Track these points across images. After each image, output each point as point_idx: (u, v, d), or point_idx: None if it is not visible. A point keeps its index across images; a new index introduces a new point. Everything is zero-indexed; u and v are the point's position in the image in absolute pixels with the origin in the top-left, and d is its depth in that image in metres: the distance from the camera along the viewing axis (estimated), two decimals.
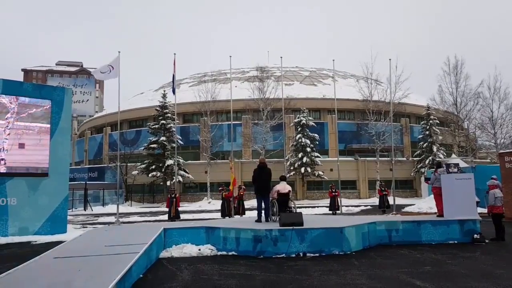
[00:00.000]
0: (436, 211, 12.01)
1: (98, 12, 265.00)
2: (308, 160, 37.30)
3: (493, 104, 34.28)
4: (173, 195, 18.61)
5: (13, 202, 12.87)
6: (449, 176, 10.80)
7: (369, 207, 27.04)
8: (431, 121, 39.87)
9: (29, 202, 13.08)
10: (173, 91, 21.56)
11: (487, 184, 11.21)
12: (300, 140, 37.90)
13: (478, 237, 9.96)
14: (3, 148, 13.04)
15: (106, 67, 17.14)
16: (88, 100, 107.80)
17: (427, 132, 39.94)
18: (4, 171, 12.96)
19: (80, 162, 51.49)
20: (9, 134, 13.22)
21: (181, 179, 37.02)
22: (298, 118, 39.04)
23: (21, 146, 13.38)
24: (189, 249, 9.13)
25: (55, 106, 14.08)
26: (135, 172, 37.98)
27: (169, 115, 37.81)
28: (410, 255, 8.62)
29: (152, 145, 37.38)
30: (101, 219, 21.57)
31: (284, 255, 8.52)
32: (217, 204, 26.61)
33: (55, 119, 14.03)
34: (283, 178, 11.08)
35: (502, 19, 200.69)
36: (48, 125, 13.85)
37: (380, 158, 38.77)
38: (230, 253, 9.00)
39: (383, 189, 21.29)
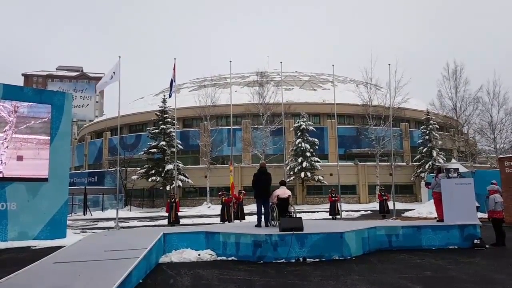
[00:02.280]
0: (436, 216, 12.01)
1: (98, 16, 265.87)
2: (308, 164, 37.29)
3: (493, 109, 34.39)
4: (172, 200, 18.59)
5: (13, 206, 12.85)
6: (449, 181, 10.81)
7: (369, 212, 27.00)
8: (430, 126, 39.94)
9: (28, 206, 13.06)
10: (169, 95, 21.61)
11: (487, 189, 11.20)
12: (300, 145, 37.93)
13: (479, 242, 9.94)
14: (1, 161, 12.96)
15: (109, 74, 17.17)
16: (88, 104, 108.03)
17: (427, 137, 40.00)
18: (3, 176, 12.95)
19: (80, 167, 51.46)
20: (7, 147, 13.14)
21: (180, 183, 37.01)
22: (298, 122, 39.09)
23: (19, 158, 13.29)
24: (188, 254, 9.11)
25: (55, 111, 14.09)
26: (134, 177, 37.95)
27: (169, 119, 37.85)
28: (410, 260, 8.61)
29: (152, 150, 37.39)
30: (100, 224, 21.54)
31: (284, 260, 8.51)
32: (216, 208, 26.57)
33: (55, 124, 14.04)
34: (283, 183, 11.08)
35: (502, 23, 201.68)
36: (47, 137, 13.78)
37: (380, 163, 38.78)
38: (229, 258, 8.98)
39: (383, 193, 21.27)
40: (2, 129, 13.13)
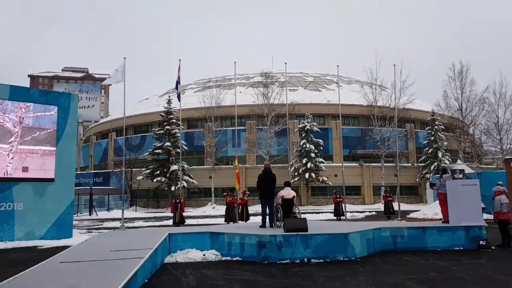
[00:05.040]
0: (441, 217, 11.96)
1: (103, 17, 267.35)
2: (312, 165, 37.25)
3: (499, 110, 34.17)
4: (178, 200, 18.64)
5: (20, 207, 12.96)
6: (455, 182, 10.76)
7: (373, 213, 26.93)
8: (436, 127, 39.74)
9: (35, 207, 13.16)
10: (178, 97, 21.48)
11: (493, 190, 11.14)
12: (304, 146, 37.89)
13: (484, 243, 9.89)
14: (7, 172, 13.01)
15: (115, 73, 17.23)
16: (93, 105, 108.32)
17: (432, 138, 39.80)
18: (10, 177, 13.06)
19: (86, 167, 51.75)
20: (12, 158, 13.19)
21: (185, 184, 37.11)
22: (302, 123, 39.05)
23: (25, 169, 13.33)
24: (193, 254, 9.15)
25: (61, 112, 14.19)
26: (140, 177, 38.12)
27: (174, 120, 37.97)
28: (415, 261, 8.58)
29: (157, 151, 37.53)
30: (106, 224, 21.65)
31: (288, 260, 8.52)
32: (221, 209, 26.63)
33: (61, 125, 14.14)
34: (287, 184, 11.09)
35: (509, 23, 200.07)
36: (53, 148, 13.86)
37: (385, 164, 38.65)
38: (234, 259, 9.01)
39: (388, 194, 21.20)
40: (7, 141, 13.18)
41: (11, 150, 13.20)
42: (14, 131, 13.32)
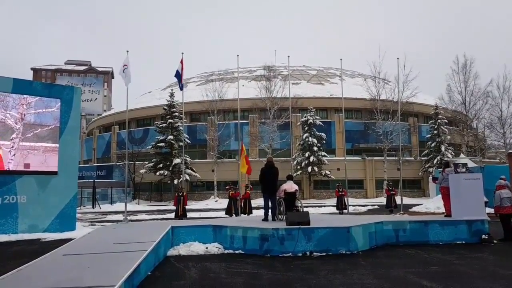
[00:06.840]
0: (444, 211, 11.95)
1: (106, 10, 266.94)
2: (315, 159, 37.26)
3: (502, 104, 34.11)
4: (180, 194, 18.69)
5: (23, 199, 13.03)
6: (457, 176, 10.73)
7: (376, 206, 26.94)
8: (439, 121, 39.62)
9: (38, 199, 13.23)
10: (181, 87, 21.06)
11: (496, 185, 11.11)
12: (307, 139, 37.87)
13: (487, 237, 9.87)
14: (9, 169, 13.04)
15: (128, 71, 16.71)
16: (96, 99, 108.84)
17: (435, 132, 39.70)
18: (13, 170, 13.12)
19: (89, 161, 51.93)
20: (14, 154, 13.20)
21: (188, 177, 37.22)
22: (305, 117, 38.99)
23: (26, 166, 13.34)
24: (196, 247, 9.18)
25: (64, 105, 14.21)
26: (143, 171, 38.25)
27: (176, 114, 38.00)
28: (417, 255, 8.59)
29: (159, 144, 37.61)
30: (109, 217, 21.75)
31: (290, 254, 8.53)
32: (224, 202, 26.67)
33: (64, 118, 14.16)
34: (290, 177, 11.09)
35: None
36: (55, 145, 13.87)
37: (387, 158, 38.59)
38: (237, 252, 9.03)
39: (390, 188, 21.19)
40: (9, 137, 13.18)
41: (12, 147, 13.21)
42: (15, 128, 13.33)
